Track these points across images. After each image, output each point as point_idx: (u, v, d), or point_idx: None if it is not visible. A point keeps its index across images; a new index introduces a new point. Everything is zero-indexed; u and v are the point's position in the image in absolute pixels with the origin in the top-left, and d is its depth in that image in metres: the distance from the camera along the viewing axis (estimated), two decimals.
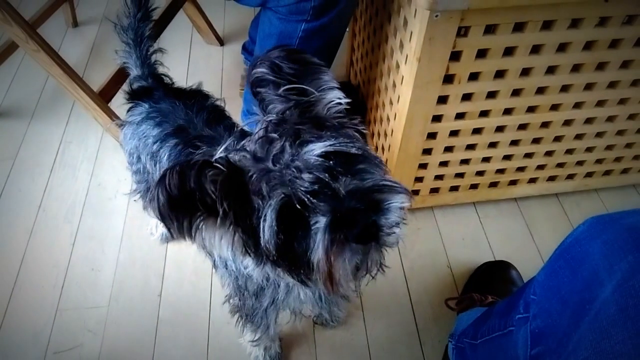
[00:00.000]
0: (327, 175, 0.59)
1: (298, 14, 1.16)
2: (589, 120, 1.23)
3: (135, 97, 1.10)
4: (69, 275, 1.34)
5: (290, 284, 0.83)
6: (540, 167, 1.38)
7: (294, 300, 0.88)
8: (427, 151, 1.23)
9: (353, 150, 0.62)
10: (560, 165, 1.39)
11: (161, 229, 1.38)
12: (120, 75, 1.51)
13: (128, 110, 1.10)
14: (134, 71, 1.13)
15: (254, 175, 0.59)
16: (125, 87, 1.14)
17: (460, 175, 1.35)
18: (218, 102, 1.10)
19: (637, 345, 0.51)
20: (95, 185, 1.56)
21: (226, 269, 0.90)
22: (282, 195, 0.58)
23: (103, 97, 1.52)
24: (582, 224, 0.66)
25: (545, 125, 1.22)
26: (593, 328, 0.56)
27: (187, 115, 1.01)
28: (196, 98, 1.07)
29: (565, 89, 1.12)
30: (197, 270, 1.34)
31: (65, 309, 1.27)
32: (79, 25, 2.15)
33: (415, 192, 1.38)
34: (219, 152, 0.62)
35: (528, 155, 1.32)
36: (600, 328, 0.55)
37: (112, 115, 1.54)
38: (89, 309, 1.27)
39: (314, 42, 1.23)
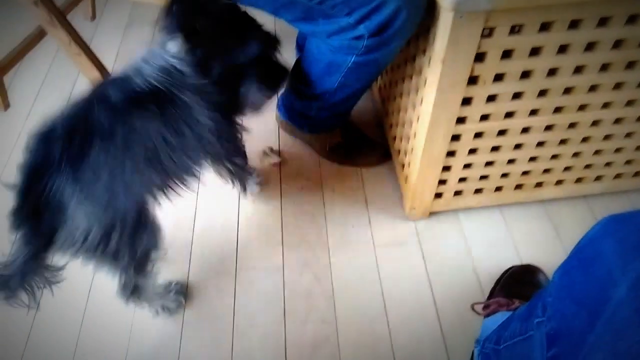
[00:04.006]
0: None
1: (350, 49, 1.13)
2: (618, 121, 1.20)
3: None
4: (95, 280, 1.36)
5: None
6: (568, 169, 1.35)
7: None
8: (451, 153, 1.22)
9: None
10: (588, 166, 1.35)
11: None
12: None
13: None
14: None
15: None
16: None
17: (484, 177, 1.33)
18: None
19: None
20: None
21: None
22: None
23: None
24: (597, 223, 0.64)
25: (572, 126, 1.20)
26: (608, 329, 0.55)
27: None
28: None
29: (593, 89, 1.10)
30: (219, 274, 1.35)
31: (90, 317, 1.30)
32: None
33: (439, 195, 1.36)
34: None
35: (554, 157, 1.29)
36: (615, 330, 0.54)
37: None
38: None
39: (362, 72, 1.21)
